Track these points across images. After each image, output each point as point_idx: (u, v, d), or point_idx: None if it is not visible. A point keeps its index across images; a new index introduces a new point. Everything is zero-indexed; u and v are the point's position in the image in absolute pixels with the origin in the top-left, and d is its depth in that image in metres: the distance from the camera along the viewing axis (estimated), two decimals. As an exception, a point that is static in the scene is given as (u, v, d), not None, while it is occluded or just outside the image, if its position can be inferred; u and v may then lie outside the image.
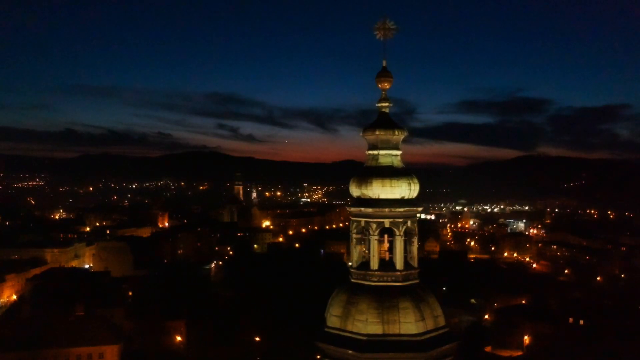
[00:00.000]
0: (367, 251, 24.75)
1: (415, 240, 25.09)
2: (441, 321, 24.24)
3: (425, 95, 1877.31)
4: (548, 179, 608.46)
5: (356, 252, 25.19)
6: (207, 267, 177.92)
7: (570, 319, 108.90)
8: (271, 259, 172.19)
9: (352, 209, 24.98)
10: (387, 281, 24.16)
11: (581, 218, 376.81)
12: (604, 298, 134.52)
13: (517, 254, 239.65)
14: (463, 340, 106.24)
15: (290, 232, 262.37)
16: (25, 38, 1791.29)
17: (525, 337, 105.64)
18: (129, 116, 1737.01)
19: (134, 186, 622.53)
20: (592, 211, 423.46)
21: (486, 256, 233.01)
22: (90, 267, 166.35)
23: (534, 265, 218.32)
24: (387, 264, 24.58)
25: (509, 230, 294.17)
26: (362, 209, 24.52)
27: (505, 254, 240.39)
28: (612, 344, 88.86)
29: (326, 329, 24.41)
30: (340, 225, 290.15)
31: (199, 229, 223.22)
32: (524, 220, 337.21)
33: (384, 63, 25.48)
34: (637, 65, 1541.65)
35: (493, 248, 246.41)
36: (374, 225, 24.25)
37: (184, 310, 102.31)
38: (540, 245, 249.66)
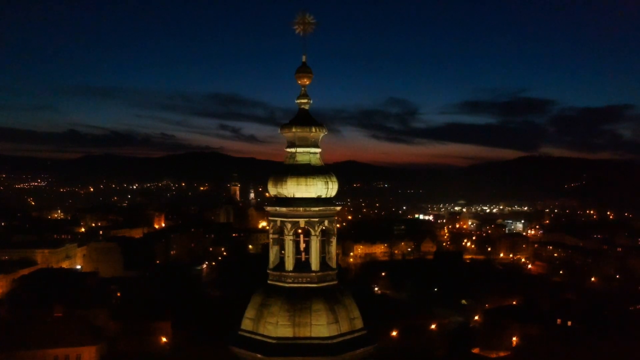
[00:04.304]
0: (283, 252, 24.04)
1: (334, 241, 24.47)
2: (358, 324, 23.54)
3: (428, 95, 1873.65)
4: (550, 180, 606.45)
5: (273, 252, 24.62)
6: (199, 267, 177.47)
7: (559, 320, 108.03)
8: (264, 260, 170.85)
9: (269, 208, 24.36)
10: (301, 282, 23.51)
11: (580, 219, 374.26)
12: (596, 299, 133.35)
13: (513, 254, 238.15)
14: (450, 342, 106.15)
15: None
16: (28, 39, 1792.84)
17: (514, 338, 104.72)
18: (131, 117, 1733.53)
19: (134, 187, 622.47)
20: (592, 212, 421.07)
21: (482, 257, 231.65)
22: (81, 268, 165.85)
23: (530, 266, 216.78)
24: (303, 265, 23.89)
25: (506, 231, 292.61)
26: (278, 208, 23.88)
27: (502, 255, 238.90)
28: (599, 345, 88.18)
29: (240, 332, 23.80)
30: (338, 226, 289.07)
31: (192, 230, 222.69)
32: (522, 221, 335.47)
33: (304, 58, 24.75)
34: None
35: (489, 249, 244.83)
36: (289, 225, 23.59)
37: (171, 311, 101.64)
38: (536, 245, 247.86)
